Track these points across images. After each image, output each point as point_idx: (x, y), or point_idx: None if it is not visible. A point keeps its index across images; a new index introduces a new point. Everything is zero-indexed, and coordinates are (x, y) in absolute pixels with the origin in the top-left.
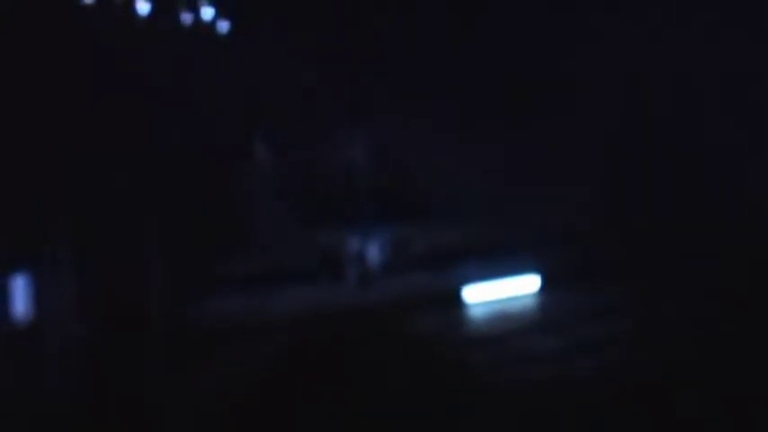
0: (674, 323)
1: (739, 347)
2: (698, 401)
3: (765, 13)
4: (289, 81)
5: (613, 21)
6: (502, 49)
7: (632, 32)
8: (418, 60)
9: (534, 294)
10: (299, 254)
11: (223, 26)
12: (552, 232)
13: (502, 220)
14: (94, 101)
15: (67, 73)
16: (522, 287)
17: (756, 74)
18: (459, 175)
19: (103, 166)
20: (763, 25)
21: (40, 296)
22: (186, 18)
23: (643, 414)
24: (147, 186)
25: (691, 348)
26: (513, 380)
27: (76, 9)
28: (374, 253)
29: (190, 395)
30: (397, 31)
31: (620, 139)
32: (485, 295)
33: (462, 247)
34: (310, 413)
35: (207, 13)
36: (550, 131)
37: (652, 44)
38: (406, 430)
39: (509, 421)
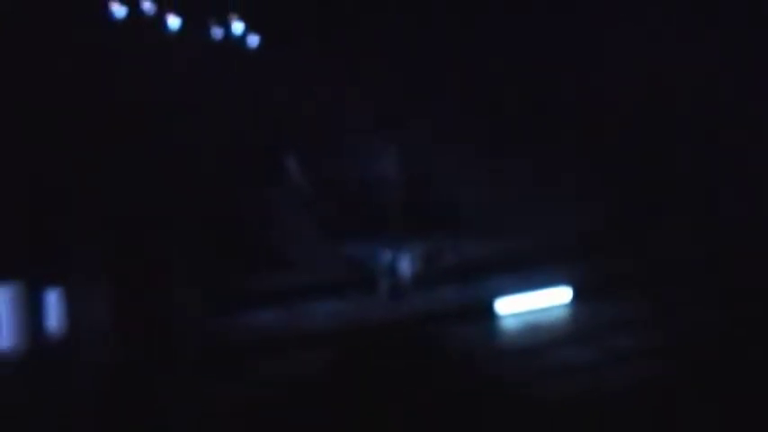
0: (704, 331)
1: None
2: (730, 410)
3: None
4: (317, 95)
5: (638, 36)
6: (530, 63)
7: (657, 48)
8: (447, 73)
9: (566, 306)
10: (331, 267)
11: (253, 41)
12: (582, 244)
13: (533, 233)
14: (128, 116)
15: (100, 88)
16: (553, 299)
17: None
18: (490, 188)
19: (135, 182)
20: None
21: (72, 310)
22: (217, 32)
23: (675, 423)
24: (177, 201)
25: (721, 356)
26: (546, 391)
27: (109, 24)
28: (405, 266)
29: (220, 408)
30: (426, 44)
31: (649, 152)
32: (517, 307)
33: (494, 260)
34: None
35: (237, 27)
36: (580, 145)
37: (678, 58)
38: None
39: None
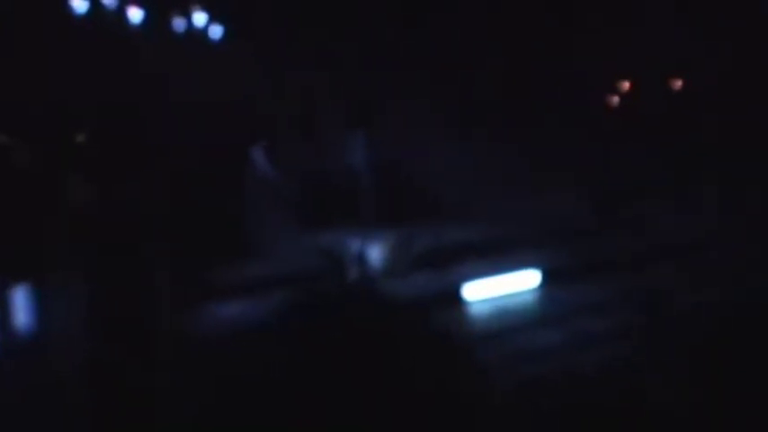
0: (678, 317)
1: (749, 342)
2: (706, 399)
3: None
4: (286, 84)
5: (618, 21)
6: (503, 49)
7: (638, 34)
8: (417, 59)
9: (535, 289)
10: (301, 257)
11: (216, 31)
12: (552, 226)
13: (501, 216)
14: (90, 109)
15: (62, 81)
16: (521, 282)
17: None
18: (461, 174)
19: (102, 174)
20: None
21: (41, 308)
22: (179, 24)
23: (648, 410)
24: (146, 194)
25: (696, 343)
26: (516, 376)
27: (68, 18)
28: (375, 254)
29: (194, 402)
30: (396, 30)
31: (619, 135)
32: (485, 292)
33: (465, 245)
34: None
35: (200, 18)
36: (549, 128)
37: (656, 47)
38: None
39: (513, 418)
